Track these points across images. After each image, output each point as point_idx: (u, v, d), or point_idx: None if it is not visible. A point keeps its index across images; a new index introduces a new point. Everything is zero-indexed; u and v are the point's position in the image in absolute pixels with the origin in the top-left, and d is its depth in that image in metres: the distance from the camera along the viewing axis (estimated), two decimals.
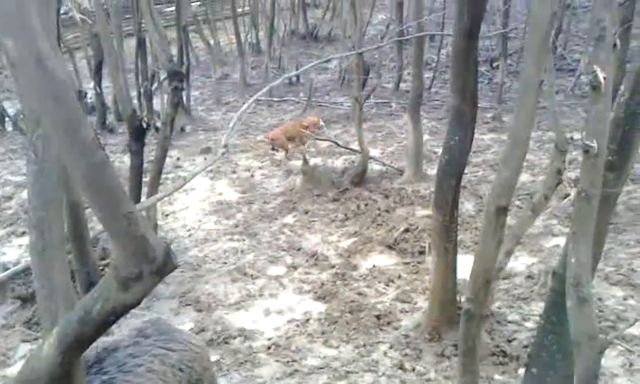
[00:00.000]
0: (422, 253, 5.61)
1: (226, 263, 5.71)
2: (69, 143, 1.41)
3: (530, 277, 5.13)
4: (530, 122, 2.77)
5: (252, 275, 5.45)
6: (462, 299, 4.64)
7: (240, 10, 14.33)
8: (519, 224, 3.96)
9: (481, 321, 3.15)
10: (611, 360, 4.05)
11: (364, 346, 4.39)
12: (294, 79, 12.22)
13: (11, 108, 10.05)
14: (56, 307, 1.68)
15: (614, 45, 2.44)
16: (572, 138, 4.03)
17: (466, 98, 4.12)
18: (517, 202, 6.27)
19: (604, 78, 2.40)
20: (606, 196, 2.83)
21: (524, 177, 6.92)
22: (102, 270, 4.51)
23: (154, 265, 1.55)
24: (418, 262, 5.50)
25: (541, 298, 4.77)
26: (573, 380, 2.51)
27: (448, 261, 4.29)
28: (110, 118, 10.24)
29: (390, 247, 5.80)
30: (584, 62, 9.74)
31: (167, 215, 6.77)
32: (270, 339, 4.55)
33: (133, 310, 1.74)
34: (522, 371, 3.88)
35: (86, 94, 10.25)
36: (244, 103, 5.32)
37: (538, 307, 4.65)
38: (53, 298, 1.69)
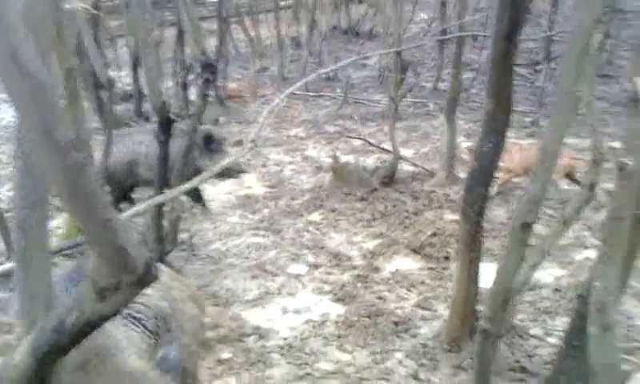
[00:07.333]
0: (447, 258, 5.43)
1: (247, 258, 5.63)
2: (45, 143, 1.33)
3: (557, 290, 4.90)
4: (561, 135, 2.61)
5: (272, 272, 5.35)
6: (481, 311, 4.49)
7: (282, 2, 14.28)
8: (548, 236, 3.77)
9: (497, 340, 3.00)
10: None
11: (379, 352, 4.25)
12: (332, 74, 12.10)
13: None
14: (35, 312, 1.61)
15: None
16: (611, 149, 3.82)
17: (500, 103, 3.95)
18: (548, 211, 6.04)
19: None
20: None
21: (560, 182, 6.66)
22: None
23: (134, 275, 1.47)
24: (443, 268, 5.32)
25: (567, 313, 4.57)
26: None
27: (471, 272, 4.12)
28: (146, 106, 10.26)
29: (415, 251, 5.62)
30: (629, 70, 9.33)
31: (192, 207, 6.73)
32: (285, 339, 4.44)
33: None
34: None
35: (114, 82, 10.23)
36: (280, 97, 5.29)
37: (562, 322, 4.45)
38: (32, 302, 1.62)
